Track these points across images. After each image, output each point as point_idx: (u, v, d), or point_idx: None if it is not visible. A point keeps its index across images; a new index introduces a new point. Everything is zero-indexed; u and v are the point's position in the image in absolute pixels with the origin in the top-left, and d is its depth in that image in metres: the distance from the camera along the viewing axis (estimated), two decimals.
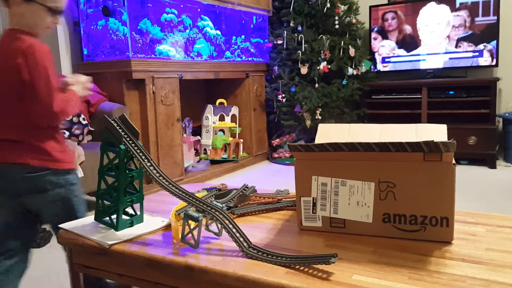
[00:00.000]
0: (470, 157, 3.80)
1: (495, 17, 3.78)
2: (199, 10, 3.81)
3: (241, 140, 4.07)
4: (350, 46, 4.03)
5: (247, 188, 1.35)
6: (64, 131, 2.70)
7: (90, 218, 1.19)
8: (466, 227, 1.02)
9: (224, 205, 1.17)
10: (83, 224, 1.16)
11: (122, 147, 1.05)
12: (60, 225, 1.15)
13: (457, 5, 3.93)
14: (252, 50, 4.36)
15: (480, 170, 3.64)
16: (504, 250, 0.88)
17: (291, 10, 4.10)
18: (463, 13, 3.91)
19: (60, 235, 1.11)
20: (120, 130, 1.06)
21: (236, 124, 4.08)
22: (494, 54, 3.83)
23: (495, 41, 3.81)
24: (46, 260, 2.09)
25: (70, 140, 2.70)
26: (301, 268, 0.84)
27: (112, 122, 1.06)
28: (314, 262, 0.84)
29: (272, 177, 3.69)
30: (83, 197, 1.45)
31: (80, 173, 2.53)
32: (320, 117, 3.97)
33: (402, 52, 4.23)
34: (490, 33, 3.82)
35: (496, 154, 3.72)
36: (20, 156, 1.29)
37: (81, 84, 1.46)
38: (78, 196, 1.43)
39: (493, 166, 3.68)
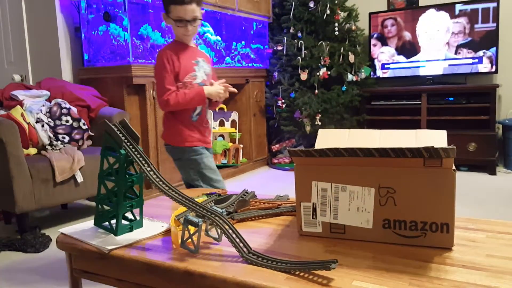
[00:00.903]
0: (470, 163, 3.80)
1: (495, 24, 3.80)
2: None
3: (241, 146, 4.07)
4: (349, 53, 4.04)
5: (247, 193, 1.35)
6: (64, 135, 2.70)
7: (89, 223, 1.19)
8: (466, 233, 1.02)
9: (224, 210, 1.17)
10: (83, 229, 1.15)
11: (122, 151, 1.05)
12: (60, 230, 1.15)
13: (457, 12, 3.94)
14: (252, 56, 4.38)
15: (480, 177, 3.64)
16: (504, 256, 0.88)
17: (291, 16, 4.12)
18: (463, 20, 3.93)
19: (59, 240, 1.11)
20: (121, 135, 1.06)
21: (236, 129, 4.08)
22: (494, 61, 3.84)
23: (494, 48, 3.82)
24: (45, 265, 2.08)
25: (70, 145, 2.70)
26: (301, 274, 0.84)
27: (113, 126, 1.06)
28: (314, 268, 0.83)
29: (272, 183, 3.69)
30: (202, 169, 1.89)
31: (79, 178, 2.53)
32: (319, 123, 3.97)
33: (401, 58, 4.24)
34: (489, 40, 3.84)
35: (496, 160, 3.72)
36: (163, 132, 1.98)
37: (215, 87, 1.88)
38: (193, 168, 1.90)
39: (493, 172, 3.68)
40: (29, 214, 2.45)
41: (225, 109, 4.11)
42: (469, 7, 3.89)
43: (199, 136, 1.91)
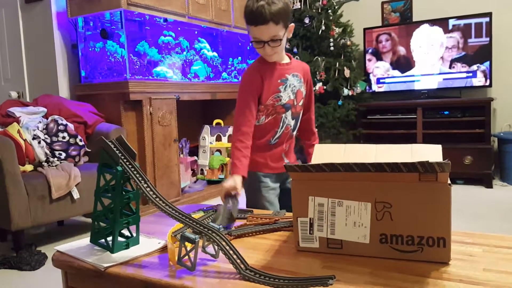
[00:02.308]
0: (466, 176, 3.81)
1: (488, 38, 3.85)
2: (196, 32, 3.86)
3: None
4: (345, 67, 4.08)
5: (232, 199, 1.36)
6: (61, 152, 2.70)
7: (85, 240, 1.18)
8: (463, 247, 1.02)
9: (220, 226, 1.17)
10: (78, 246, 1.15)
11: (119, 168, 1.05)
12: (56, 247, 1.14)
13: (450, 27, 4.00)
14: None
15: (477, 190, 3.64)
16: (501, 270, 0.88)
17: None
18: (456, 35, 3.98)
19: (55, 258, 1.10)
20: (117, 151, 1.06)
21: None
22: (488, 75, 3.88)
23: (488, 62, 3.87)
24: (41, 283, 2.06)
25: (67, 161, 2.70)
26: None
27: (109, 143, 1.06)
28: (312, 284, 0.83)
29: None
30: (263, 199, 1.69)
31: (76, 195, 2.52)
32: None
33: (396, 73, 4.28)
34: (483, 54, 3.88)
35: (492, 173, 3.74)
36: None
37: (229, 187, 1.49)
38: (261, 195, 1.67)
39: (489, 185, 3.69)
40: (25, 231, 2.43)
41: (222, 124, 4.12)
42: (462, 22, 3.95)
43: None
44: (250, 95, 1.62)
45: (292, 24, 1.58)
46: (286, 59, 1.68)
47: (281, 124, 1.64)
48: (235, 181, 1.46)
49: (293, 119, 1.67)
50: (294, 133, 1.71)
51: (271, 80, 1.62)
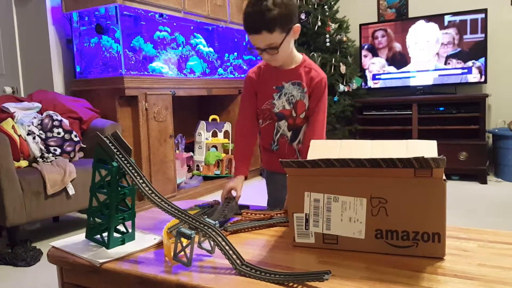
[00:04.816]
0: (461, 172, 3.83)
1: (483, 35, 3.86)
2: (192, 28, 3.85)
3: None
4: (341, 64, 4.08)
5: (231, 200, 1.36)
6: (56, 147, 2.68)
7: (81, 235, 1.18)
8: (458, 242, 1.02)
9: (216, 222, 1.17)
10: (74, 242, 1.14)
11: (114, 164, 1.05)
12: (51, 243, 1.14)
13: (446, 23, 4.00)
14: (244, 67, 4.40)
15: (471, 186, 3.66)
16: (496, 265, 0.89)
17: None
18: (452, 31, 3.99)
19: (50, 254, 1.10)
20: (113, 147, 1.06)
21: (229, 140, 4.09)
22: (483, 71, 3.89)
23: (483, 58, 3.88)
24: (36, 279, 2.05)
25: (62, 157, 2.68)
26: (294, 285, 0.83)
27: (105, 139, 1.06)
28: (307, 279, 0.83)
29: (265, 193, 3.68)
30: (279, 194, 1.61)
31: (71, 190, 2.51)
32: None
33: (392, 69, 4.29)
34: (478, 50, 3.89)
35: (487, 169, 3.76)
36: None
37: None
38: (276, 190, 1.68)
39: (484, 181, 3.71)
40: (20, 227, 2.42)
41: (218, 120, 4.12)
42: (457, 18, 3.96)
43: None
44: (247, 95, 1.61)
45: (297, 25, 1.46)
46: (294, 63, 1.54)
47: (274, 132, 1.57)
48: (236, 183, 1.46)
49: (289, 131, 1.55)
50: (296, 145, 1.57)
51: (267, 85, 1.55)
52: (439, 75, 4.08)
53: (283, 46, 1.44)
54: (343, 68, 4.07)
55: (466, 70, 3.96)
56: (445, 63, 4.04)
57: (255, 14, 1.38)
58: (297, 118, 1.54)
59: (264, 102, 1.55)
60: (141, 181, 1.03)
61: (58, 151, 2.70)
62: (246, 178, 1.51)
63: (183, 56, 3.70)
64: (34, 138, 2.62)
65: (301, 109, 1.53)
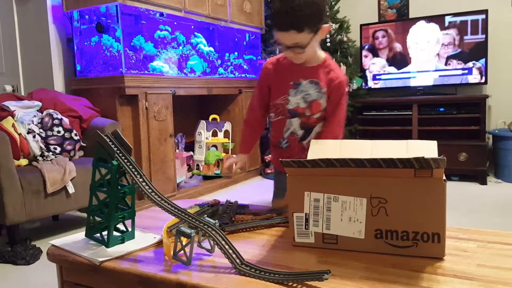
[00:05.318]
0: (461, 173, 3.83)
1: (484, 36, 3.86)
2: (192, 27, 3.85)
3: (234, 156, 4.06)
4: (341, 64, 4.07)
5: (231, 204, 1.36)
6: (56, 146, 2.68)
7: (80, 234, 1.18)
8: (457, 243, 1.02)
9: (216, 221, 1.17)
10: (74, 240, 1.14)
11: (115, 162, 1.05)
12: (51, 242, 1.14)
13: (446, 24, 4.00)
14: (245, 66, 4.40)
15: (471, 186, 3.66)
16: (495, 266, 0.89)
17: None
18: (452, 32, 3.99)
19: (50, 252, 1.10)
20: (113, 146, 1.06)
21: (229, 139, 4.09)
22: (483, 72, 3.89)
23: (484, 59, 3.88)
24: (36, 277, 2.06)
25: (62, 155, 2.68)
26: (294, 284, 0.83)
27: (105, 137, 1.06)
28: (307, 278, 0.83)
29: (265, 193, 3.68)
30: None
31: (71, 189, 2.51)
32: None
33: (392, 69, 4.29)
34: (479, 51, 3.89)
35: (487, 170, 3.75)
36: None
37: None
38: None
39: (483, 182, 3.71)
40: (19, 226, 2.42)
41: (218, 120, 4.12)
42: (458, 19, 3.96)
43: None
44: (260, 85, 1.60)
45: (327, 25, 1.41)
46: (315, 62, 1.50)
47: (285, 129, 1.54)
48: (238, 157, 1.63)
49: (302, 129, 1.52)
50: (306, 144, 1.52)
51: (284, 79, 1.51)
52: (440, 76, 4.08)
53: (310, 46, 1.40)
54: (343, 68, 4.07)
55: (466, 71, 3.96)
56: (446, 64, 4.04)
57: (285, 12, 1.33)
58: (311, 117, 1.51)
59: (279, 96, 1.52)
60: (141, 180, 1.03)
61: (58, 149, 2.70)
62: (247, 155, 1.67)
63: (183, 55, 3.70)
64: (34, 136, 2.62)
65: (316, 109, 1.50)
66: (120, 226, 1.13)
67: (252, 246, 1.06)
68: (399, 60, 4.25)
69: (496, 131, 3.88)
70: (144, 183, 1.03)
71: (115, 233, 1.10)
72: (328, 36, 4.08)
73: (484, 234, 1.08)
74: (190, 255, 0.94)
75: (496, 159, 3.88)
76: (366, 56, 4.39)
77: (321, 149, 1.15)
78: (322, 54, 1.53)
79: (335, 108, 1.51)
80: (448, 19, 4.00)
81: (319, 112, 1.51)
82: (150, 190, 1.02)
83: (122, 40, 3.07)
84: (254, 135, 1.67)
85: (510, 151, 3.69)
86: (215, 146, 3.99)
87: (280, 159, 1.02)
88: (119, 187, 1.08)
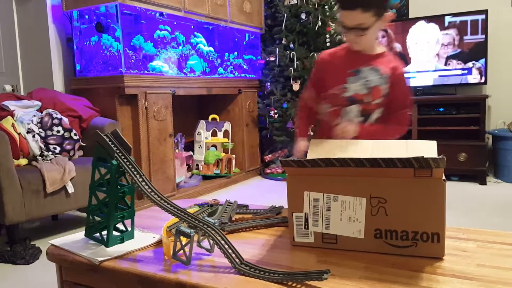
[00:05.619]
0: (460, 173, 3.83)
1: (483, 36, 3.86)
2: (192, 27, 3.85)
3: (234, 156, 4.07)
4: None
5: (230, 204, 1.36)
6: (55, 146, 2.68)
7: (80, 234, 1.18)
8: (457, 243, 1.02)
9: (216, 221, 1.17)
10: (73, 240, 1.14)
11: (114, 162, 1.04)
12: (51, 241, 1.14)
13: (446, 24, 4.00)
14: (244, 66, 4.40)
15: (471, 187, 3.66)
16: (495, 266, 0.89)
17: (283, 28, 4.15)
18: (452, 32, 3.99)
19: (49, 252, 1.10)
20: (112, 145, 1.06)
21: (228, 139, 4.09)
22: (483, 72, 3.89)
23: (483, 59, 3.88)
24: (35, 277, 2.05)
25: (61, 155, 2.68)
26: (294, 284, 0.83)
27: (104, 137, 1.06)
28: (307, 278, 0.83)
29: (265, 193, 3.68)
30: None
31: (70, 189, 2.51)
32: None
33: None
34: (478, 51, 3.89)
35: (486, 170, 3.75)
36: None
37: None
38: None
39: (483, 182, 3.71)
40: (19, 226, 2.42)
41: (218, 120, 4.12)
42: (458, 19, 3.95)
43: None
44: (313, 76, 1.63)
45: (390, 14, 1.43)
46: (376, 51, 1.52)
47: (339, 119, 1.52)
48: (304, 142, 1.58)
49: (361, 116, 1.51)
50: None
51: (342, 69, 1.50)
52: (439, 76, 4.08)
53: (371, 30, 1.41)
54: None
55: (466, 71, 3.96)
56: (445, 64, 4.04)
57: None
58: (371, 104, 1.50)
59: (336, 85, 1.51)
60: (140, 179, 1.03)
61: (58, 149, 2.69)
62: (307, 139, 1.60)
63: (183, 55, 3.70)
64: (33, 136, 2.62)
65: (376, 94, 1.49)
66: (120, 226, 1.13)
67: (251, 245, 1.06)
68: (399, 60, 4.24)
69: (496, 131, 3.88)
70: (143, 183, 1.03)
71: (115, 233, 1.10)
72: (328, 36, 4.09)
73: (484, 234, 1.08)
74: (189, 255, 0.94)
75: (495, 159, 3.88)
76: None
77: (320, 149, 1.15)
78: (382, 47, 1.55)
79: (403, 96, 1.53)
80: (448, 19, 4.00)
81: (379, 98, 1.50)
82: (149, 190, 1.02)
83: (122, 40, 3.07)
84: (312, 117, 1.69)
85: (510, 151, 3.69)
86: (214, 146, 3.99)
87: (279, 159, 1.02)
88: (119, 187, 1.08)
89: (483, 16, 3.84)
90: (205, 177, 3.87)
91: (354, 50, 1.50)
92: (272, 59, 4.17)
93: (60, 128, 2.72)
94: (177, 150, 3.76)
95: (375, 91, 1.49)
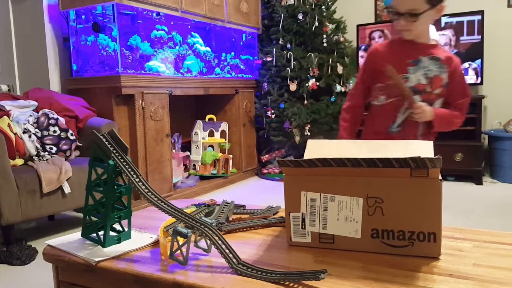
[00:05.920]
0: (456, 173, 3.84)
1: (480, 37, 3.87)
2: (189, 27, 3.84)
3: (231, 156, 4.07)
4: (338, 64, 4.08)
5: (227, 204, 1.36)
6: (52, 146, 2.68)
7: (76, 234, 1.17)
8: (453, 242, 1.03)
9: (213, 221, 1.17)
10: (70, 240, 1.14)
11: (111, 162, 1.04)
12: (47, 242, 1.13)
13: (442, 25, 4.02)
14: (241, 66, 4.40)
15: (467, 187, 3.68)
16: (491, 265, 0.89)
17: (280, 28, 4.16)
18: (448, 32, 4.00)
19: (45, 252, 1.09)
20: (109, 145, 1.06)
21: (225, 139, 4.08)
22: (479, 72, 3.91)
23: (479, 60, 3.89)
24: (31, 277, 2.05)
25: (58, 155, 2.67)
26: (291, 284, 0.84)
27: (101, 137, 1.06)
28: (304, 278, 0.84)
29: (262, 193, 3.68)
30: None
31: (67, 189, 2.50)
32: (309, 133, 3.99)
33: None
34: (475, 52, 3.91)
35: (482, 170, 3.77)
36: None
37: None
38: None
39: (479, 182, 3.72)
40: (15, 226, 2.41)
41: (215, 120, 4.12)
42: (454, 19, 3.97)
43: None
44: (359, 73, 1.58)
45: (443, 5, 1.40)
46: (430, 41, 1.50)
47: (403, 110, 1.49)
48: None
49: None
50: (422, 125, 1.54)
51: (399, 58, 1.47)
52: None
53: (423, 18, 1.39)
54: (340, 69, 4.07)
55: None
56: None
57: None
58: (432, 93, 1.49)
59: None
60: (137, 179, 1.03)
61: (54, 149, 2.69)
62: None
63: (180, 55, 3.69)
64: (30, 136, 2.61)
65: (437, 84, 1.48)
66: (117, 226, 1.12)
67: (248, 245, 1.06)
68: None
69: (492, 131, 3.90)
70: (140, 183, 1.02)
71: (111, 233, 1.10)
72: (324, 36, 4.09)
73: (480, 233, 1.08)
74: (186, 255, 0.94)
75: (491, 160, 3.90)
76: (362, 57, 4.40)
77: (317, 149, 1.15)
78: (433, 40, 1.54)
79: (463, 88, 1.55)
80: (444, 19, 4.01)
81: (440, 87, 1.49)
82: (146, 190, 1.02)
83: (119, 40, 3.06)
84: (358, 121, 1.65)
85: (506, 151, 3.70)
86: (211, 146, 3.99)
87: (277, 159, 1.02)
88: (116, 187, 1.07)
89: (479, 17, 3.86)
90: (202, 177, 3.87)
91: (410, 41, 1.47)
92: (269, 59, 4.18)
93: (56, 128, 2.71)
94: (174, 150, 3.75)
95: (436, 81, 1.48)
